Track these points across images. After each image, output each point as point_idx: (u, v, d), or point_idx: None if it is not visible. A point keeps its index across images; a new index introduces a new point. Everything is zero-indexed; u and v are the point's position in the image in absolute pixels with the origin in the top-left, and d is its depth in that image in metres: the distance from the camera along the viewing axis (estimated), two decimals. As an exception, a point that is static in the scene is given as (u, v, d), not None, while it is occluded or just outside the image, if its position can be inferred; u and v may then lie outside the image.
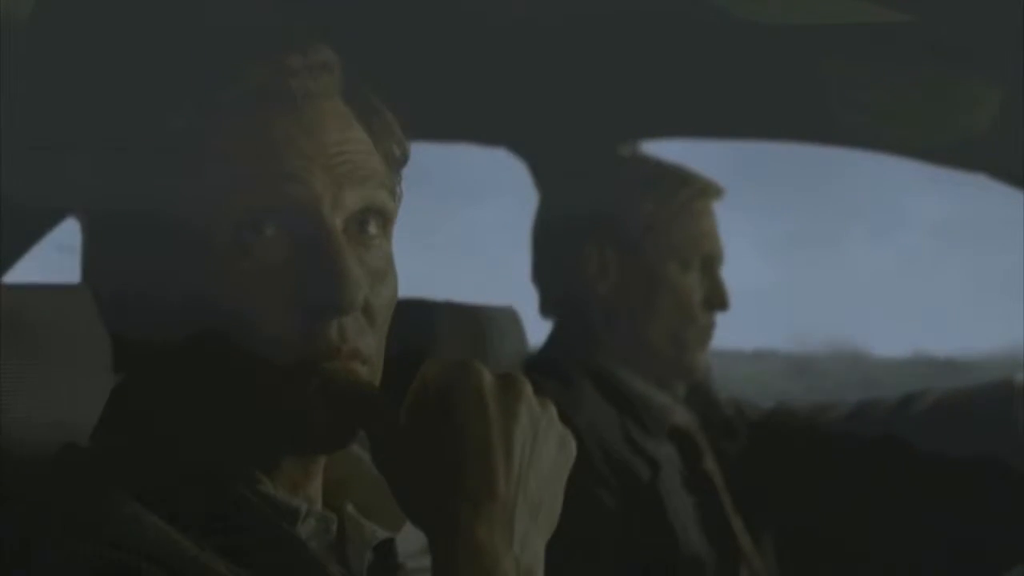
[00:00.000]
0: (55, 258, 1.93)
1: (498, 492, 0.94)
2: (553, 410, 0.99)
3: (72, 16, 1.04)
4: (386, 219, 1.01)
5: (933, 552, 2.06)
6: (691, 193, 2.02)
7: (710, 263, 2.02)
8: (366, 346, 0.98)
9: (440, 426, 0.95)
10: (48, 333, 1.15)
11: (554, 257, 2.05)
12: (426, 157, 1.07)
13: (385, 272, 1.00)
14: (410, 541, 1.06)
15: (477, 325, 2.01)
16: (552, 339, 2.07)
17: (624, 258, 2.00)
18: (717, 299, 2.02)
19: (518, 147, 2.32)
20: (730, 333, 2.22)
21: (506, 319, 2.09)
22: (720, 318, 2.05)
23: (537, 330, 2.11)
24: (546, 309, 2.08)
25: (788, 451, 2.12)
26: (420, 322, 1.90)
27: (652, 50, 1.89)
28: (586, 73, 2.01)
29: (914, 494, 2.04)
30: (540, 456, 0.97)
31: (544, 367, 1.98)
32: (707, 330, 2.03)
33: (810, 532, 2.12)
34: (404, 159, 1.05)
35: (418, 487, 0.95)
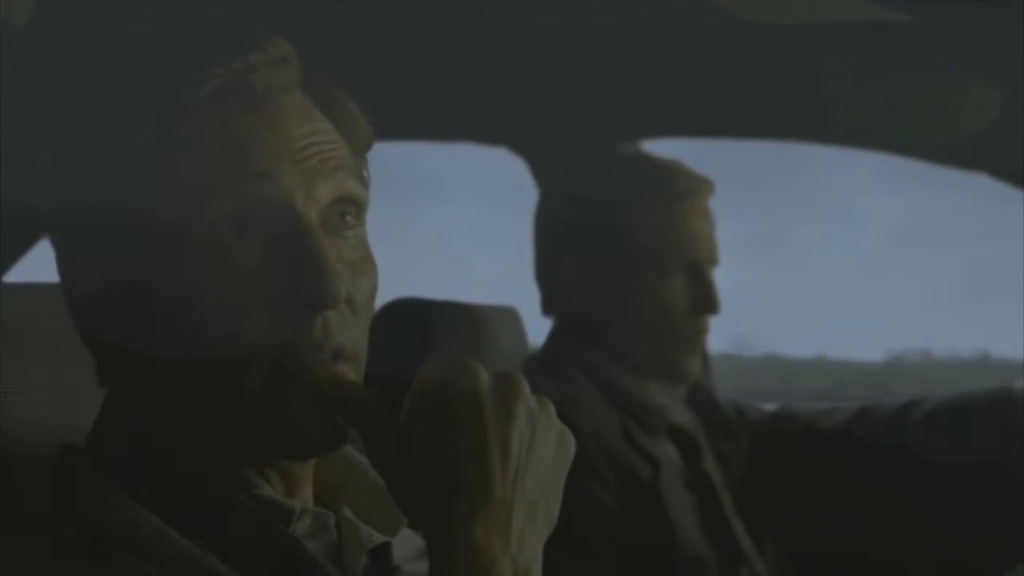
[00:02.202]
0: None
1: (495, 492, 0.93)
2: (551, 408, 0.99)
3: (52, 22, 1.04)
4: (359, 207, 1.00)
5: (933, 555, 2.06)
6: (673, 195, 1.98)
7: (696, 267, 1.98)
8: (350, 341, 0.98)
9: (437, 426, 0.94)
10: (48, 334, 1.15)
11: (546, 259, 2.04)
12: (390, 155, 1.07)
13: (364, 262, 1.00)
14: (406, 545, 1.06)
15: (477, 324, 2.01)
16: (552, 338, 2.07)
17: (596, 270, 1.98)
18: (704, 304, 1.98)
19: (518, 147, 2.32)
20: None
21: (506, 319, 2.09)
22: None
23: (537, 330, 2.11)
24: (547, 310, 2.07)
25: (789, 453, 2.12)
26: (419, 321, 1.90)
27: (651, 50, 1.89)
28: (587, 73, 2.01)
29: (914, 498, 2.04)
30: (538, 455, 0.96)
31: (544, 366, 1.98)
32: (695, 335, 2.00)
33: (811, 535, 2.12)
34: (368, 144, 1.05)
35: (416, 487, 0.95)
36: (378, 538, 1.04)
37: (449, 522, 0.93)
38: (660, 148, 2.24)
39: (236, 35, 0.97)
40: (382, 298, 1.29)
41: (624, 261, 1.97)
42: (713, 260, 2.01)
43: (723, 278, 2.02)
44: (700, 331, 2.00)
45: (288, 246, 0.95)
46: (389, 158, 1.07)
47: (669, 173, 2.01)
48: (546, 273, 2.06)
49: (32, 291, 1.19)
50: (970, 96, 1.90)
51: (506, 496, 0.94)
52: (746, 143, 2.25)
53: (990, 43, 1.70)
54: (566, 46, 1.90)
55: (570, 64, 1.97)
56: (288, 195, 0.96)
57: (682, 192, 1.99)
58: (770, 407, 2.21)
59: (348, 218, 0.99)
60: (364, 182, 1.02)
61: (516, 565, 0.94)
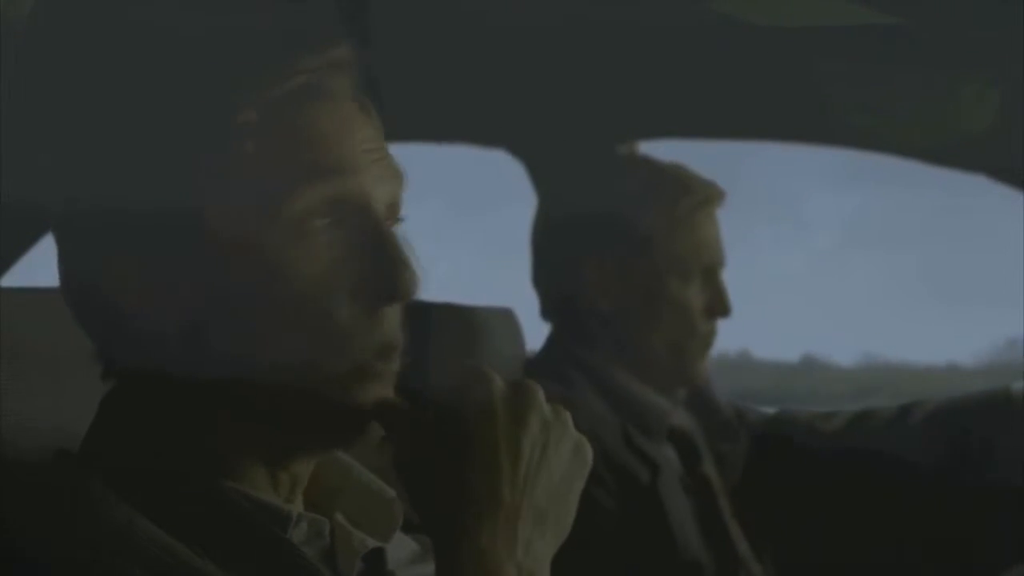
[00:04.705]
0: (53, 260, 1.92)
1: (503, 499, 0.95)
2: (568, 417, 1.00)
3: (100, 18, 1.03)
4: (397, 216, 1.02)
5: (931, 557, 2.06)
6: (692, 203, 1.99)
7: (711, 271, 2.00)
8: (401, 333, 1.00)
9: (449, 431, 0.96)
10: (45, 337, 1.15)
11: (554, 268, 2.04)
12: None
13: None
14: (399, 550, 1.07)
15: (474, 326, 2.00)
16: (551, 341, 2.06)
17: (624, 273, 1.98)
18: (718, 306, 2.00)
19: (517, 149, 2.31)
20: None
21: (503, 320, 2.09)
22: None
23: (535, 332, 2.10)
24: (547, 313, 2.07)
25: (788, 457, 2.12)
26: (416, 323, 1.89)
27: (650, 52, 1.89)
28: (585, 75, 2.01)
29: (913, 501, 2.04)
30: (550, 464, 0.98)
31: (543, 369, 1.98)
32: (708, 338, 2.02)
33: (809, 538, 2.12)
34: None
35: (427, 491, 0.97)
36: (371, 543, 1.04)
37: (455, 528, 0.95)
38: (646, 149, 2.25)
39: (313, 34, 0.99)
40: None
41: (648, 266, 1.98)
42: (723, 264, 2.03)
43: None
44: (712, 333, 2.02)
45: (368, 240, 0.97)
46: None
47: (685, 178, 2.03)
48: (548, 283, 2.05)
49: (29, 294, 1.19)
50: (968, 97, 1.90)
51: (514, 504, 0.95)
52: (696, 142, 2.26)
53: (988, 44, 1.70)
54: (565, 48, 1.90)
55: (569, 66, 1.97)
56: (365, 193, 0.97)
57: (701, 199, 2.01)
58: (769, 410, 2.21)
59: (392, 223, 1.01)
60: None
61: (522, 571, 0.95)
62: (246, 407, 0.97)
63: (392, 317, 0.98)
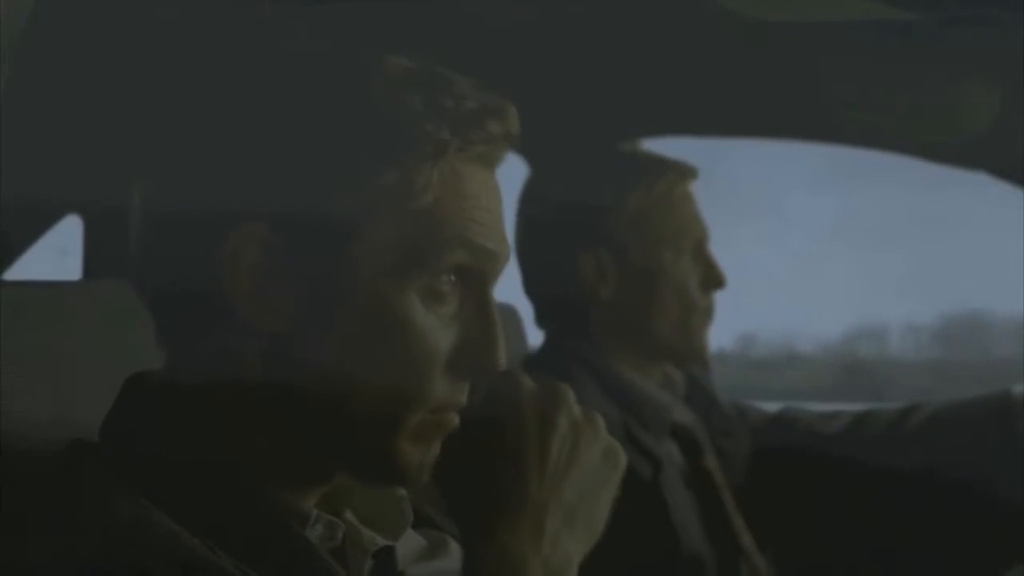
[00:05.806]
0: (54, 256, 1.93)
1: (529, 498, 0.97)
2: (600, 421, 1.03)
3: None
4: None
5: (931, 558, 2.06)
6: (670, 181, 2.01)
7: (699, 246, 2.02)
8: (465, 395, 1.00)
9: (478, 431, 0.98)
10: (51, 331, 1.15)
11: (548, 268, 2.03)
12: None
13: None
14: (408, 545, 1.07)
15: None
16: (551, 337, 2.06)
17: (619, 258, 1.99)
18: (713, 279, 2.02)
19: (522, 147, 2.31)
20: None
21: (506, 318, 2.08)
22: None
23: (537, 330, 2.10)
24: (542, 319, 2.06)
25: (789, 457, 2.12)
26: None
27: (651, 48, 1.89)
28: (585, 71, 2.01)
29: (913, 503, 2.04)
30: (581, 463, 1.00)
31: (543, 365, 1.98)
32: (708, 312, 2.02)
33: (811, 537, 2.12)
34: None
35: (454, 488, 0.99)
36: (380, 541, 1.04)
37: (481, 526, 0.97)
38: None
39: (499, 103, 0.99)
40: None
41: (642, 244, 1.99)
42: (708, 237, 2.04)
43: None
44: (710, 307, 2.03)
45: (475, 312, 0.97)
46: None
47: (660, 160, 2.05)
48: (543, 284, 2.04)
49: (35, 288, 1.19)
50: (970, 96, 1.90)
51: (541, 502, 0.97)
52: (675, 140, 2.26)
53: (991, 43, 1.70)
54: (565, 44, 1.90)
55: (567, 62, 1.97)
56: (489, 267, 0.98)
57: (676, 176, 2.02)
58: (771, 408, 2.22)
59: None
60: None
61: (548, 567, 0.97)
62: (290, 425, 0.96)
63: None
